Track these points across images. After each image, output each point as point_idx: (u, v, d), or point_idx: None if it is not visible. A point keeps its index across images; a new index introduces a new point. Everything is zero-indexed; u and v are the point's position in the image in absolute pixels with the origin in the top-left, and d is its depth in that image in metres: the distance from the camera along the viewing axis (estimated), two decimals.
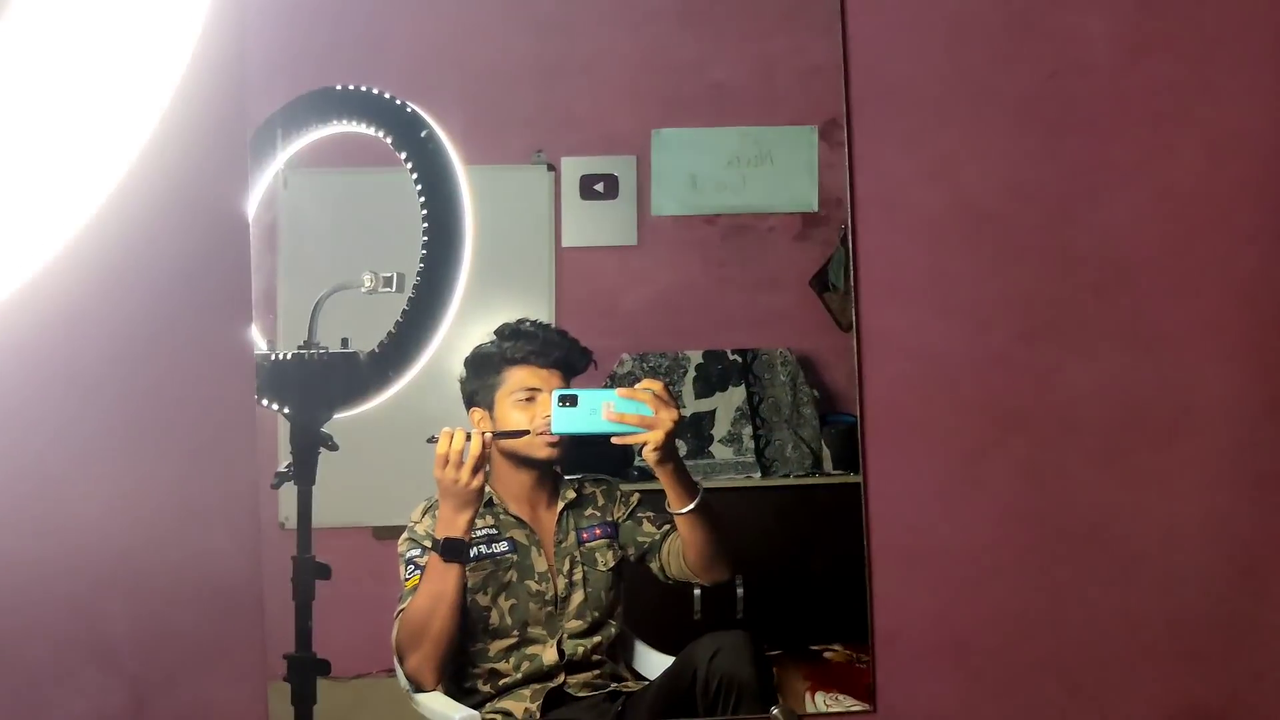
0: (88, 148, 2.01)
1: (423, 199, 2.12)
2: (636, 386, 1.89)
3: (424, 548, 1.98)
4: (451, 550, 1.92)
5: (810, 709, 2.23)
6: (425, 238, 2.12)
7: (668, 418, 1.88)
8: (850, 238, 2.23)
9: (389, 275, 2.10)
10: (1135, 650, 2.35)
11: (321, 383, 2.07)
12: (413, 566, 2.07)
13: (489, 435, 1.89)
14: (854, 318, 2.18)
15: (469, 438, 1.86)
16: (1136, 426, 2.34)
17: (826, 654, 2.29)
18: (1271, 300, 2.34)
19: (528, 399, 2.08)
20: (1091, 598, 2.34)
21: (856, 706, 2.25)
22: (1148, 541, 2.35)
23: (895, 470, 2.28)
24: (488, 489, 2.03)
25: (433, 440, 1.90)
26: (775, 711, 2.07)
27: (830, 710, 2.21)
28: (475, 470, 1.88)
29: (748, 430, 2.41)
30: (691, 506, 1.98)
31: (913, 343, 2.27)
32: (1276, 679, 2.37)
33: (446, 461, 1.84)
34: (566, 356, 2.05)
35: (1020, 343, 2.31)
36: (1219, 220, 2.36)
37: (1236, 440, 2.35)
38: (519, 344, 2.03)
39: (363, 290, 2.10)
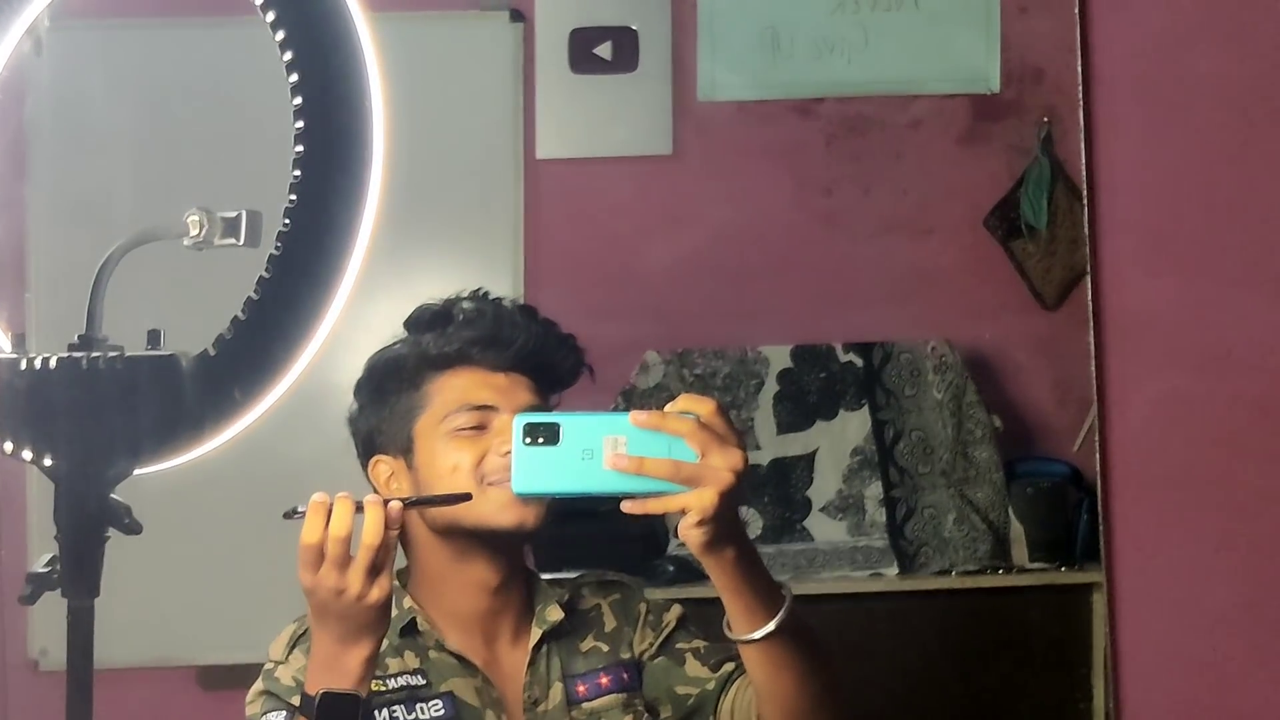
0: None
1: (294, 78, 1.93)
2: (669, 408, 1.65)
3: (289, 708, 1.76)
4: (336, 714, 1.72)
5: None
6: (299, 148, 1.93)
7: (724, 465, 1.67)
8: (1082, 135, 2.03)
9: (232, 216, 1.94)
10: None
11: (112, 411, 1.92)
12: None
13: (397, 505, 1.65)
14: (1089, 284, 2.03)
15: (360, 509, 1.61)
16: None
17: None
18: None
19: (474, 426, 1.88)
20: None
21: None
22: None
23: (1162, 561, 2.13)
24: (408, 605, 1.85)
25: (295, 515, 1.69)
26: None
27: None
28: (373, 571, 1.68)
29: (874, 489, 2.26)
30: (770, 628, 1.76)
31: (1196, 333, 2.13)
32: None
33: (320, 556, 1.61)
34: (538, 351, 1.86)
35: None
36: None
37: None
38: (451, 332, 1.92)
39: (186, 242, 1.93)
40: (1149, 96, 2.12)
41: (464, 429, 1.82)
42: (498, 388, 1.83)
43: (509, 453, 1.76)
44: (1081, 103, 2.05)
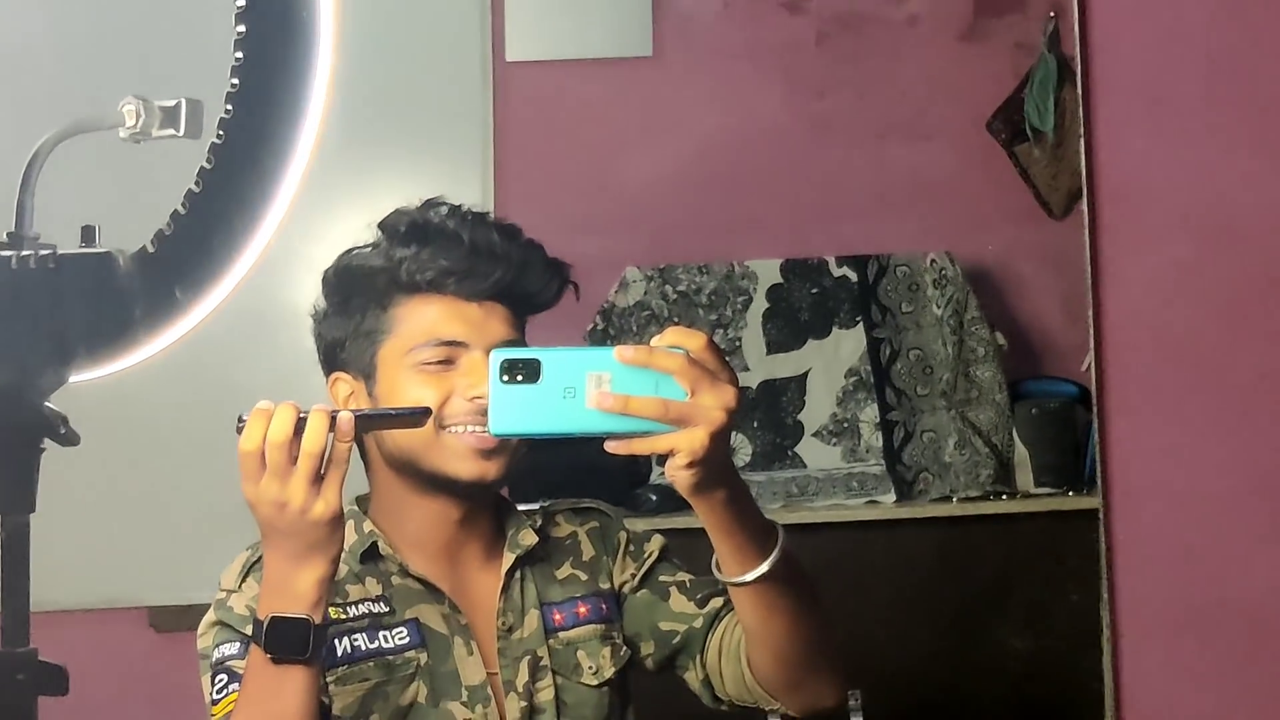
0: None
1: None
2: (655, 341, 1.66)
3: (244, 638, 1.76)
4: (285, 640, 1.71)
5: None
6: (240, 28, 1.98)
7: (715, 403, 1.68)
8: (1076, 16, 2.06)
9: (170, 105, 1.97)
10: None
11: (44, 313, 1.98)
12: (225, 678, 1.83)
13: (348, 416, 1.62)
14: (1083, 181, 2.04)
15: (305, 421, 1.61)
16: None
17: None
18: None
19: (441, 362, 1.88)
20: None
21: None
22: None
23: (1165, 480, 2.14)
24: (369, 529, 1.85)
25: (242, 426, 1.70)
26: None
27: None
28: (315, 478, 1.67)
29: (870, 411, 2.25)
30: (763, 569, 1.76)
31: (1198, 200, 2.13)
32: None
33: (262, 464, 1.60)
34: (518, 278, 1.84)
35: None
36: None
37: None
38: (426, 254, 1.90)
39: (122, 133, 1.99)
40: None
41: (429, 363, 1.80)
42: (470, 321, 1.81)
43: (475, 398, 1.76)
44: None
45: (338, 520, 1.61)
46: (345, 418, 1.62)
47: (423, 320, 1.82)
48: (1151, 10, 2.11)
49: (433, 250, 1.83)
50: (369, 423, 1.73)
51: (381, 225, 1.86)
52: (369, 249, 1.86)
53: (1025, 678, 2.23)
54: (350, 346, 1.85)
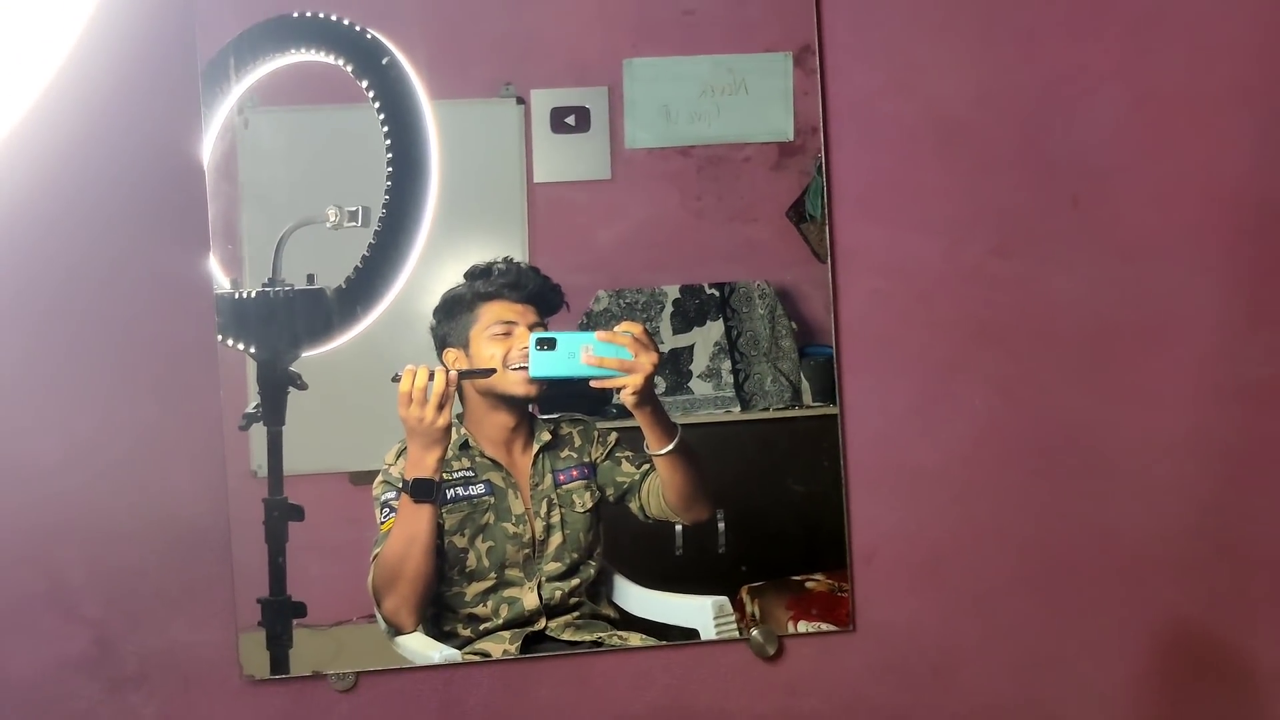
0: (16, 99, 1.94)
1: (386, 129, 1.99)
2: (616, 329, 1.80)
3: (398, 489, 1.86)
4: (420, 490, 1.77)
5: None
6: (390, 168, 1.99)
7: (647, 361, 1.79)
8: (824, 156, 2.14)
9: (354, 209, 1.97)
10: (1114, 564, 2.25)
11: (287, 320, 1.96)
12: (387, 509, 1.89)
13: (454, 373, 1.68)
14: (827, 229, 2.11)
15: (433, 376, 1.77)
16: (1114, 338, 2.22)
17: (809, 584, 2.20)
18: (1252, 208, 2.22)
19: (504, 333, 1.91)
20: (1069, 512, 2.23)
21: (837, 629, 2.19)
22: (1126, 454, 2.25)
23: (870, 392, 2.19)
24: (464, 431, 1.93)
25: (397, 379, 1.83)
26: (755, 633, 1.98)
27: (810, 633, 2.15)
28: (439, 407, 1.74)
29: (726, 365, 2.27)
30: (670, 448, 1.92)
31: (886, 260, 2.18)
32: (1257, 588, 2.28)
33: (410, 399, 1.76)
34: (540, 292, 1.96)
35: (995, 256, 2.20)
36: (1201, 126, 2.25)
37: (1217, 351, 2.22)
38: (491, 280, 1.94)
39: (327, 225, 1.98)
40: (863, 127, 2.12)
41: (498, 334, 1.87)
42: (518, 312, 1.90)
43: (524, 348, 1.84)
44: (822, 128, 2.08)
45: (449, 428, 1.72)
46: (452, 376, 1.71)
47: (493, 313, 1.90)
48: (866, 149, 2.12)
49: (495, 277, 1.92)
50: (464, 376, 1.80)
51: (466, 274, 1.95)
52: (460, 286, 1.95)
53: (804, 505, 2.24)
54: (454, 334, 1.93)
